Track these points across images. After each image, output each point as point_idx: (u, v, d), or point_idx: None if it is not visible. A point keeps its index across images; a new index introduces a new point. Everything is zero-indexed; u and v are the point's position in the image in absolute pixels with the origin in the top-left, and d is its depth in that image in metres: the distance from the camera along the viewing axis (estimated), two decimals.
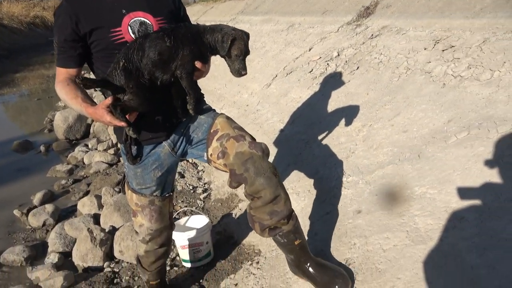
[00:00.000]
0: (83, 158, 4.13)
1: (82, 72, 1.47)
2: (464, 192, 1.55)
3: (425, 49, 2.69)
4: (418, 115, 2.12)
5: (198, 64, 1.39)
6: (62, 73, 1.48)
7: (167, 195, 1.69)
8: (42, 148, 4.61)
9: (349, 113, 2.62)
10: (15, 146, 4.68)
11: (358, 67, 3.13)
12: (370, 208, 1.79)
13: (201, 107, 1.63)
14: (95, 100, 1.50)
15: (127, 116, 1.33)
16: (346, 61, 3.36)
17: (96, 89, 1.40)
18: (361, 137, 2.33)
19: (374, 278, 1.50)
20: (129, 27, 1.43)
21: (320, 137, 2.62)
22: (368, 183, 1.95)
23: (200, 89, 1.64)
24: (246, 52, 1.42)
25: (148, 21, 1.46)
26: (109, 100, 1.27)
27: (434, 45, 2.66)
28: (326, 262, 1.63)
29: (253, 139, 1.51)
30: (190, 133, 1.59)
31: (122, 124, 1.30)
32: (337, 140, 2.46)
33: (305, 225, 2.01)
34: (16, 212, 3.11)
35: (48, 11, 23.46)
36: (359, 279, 1.55)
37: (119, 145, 2.05)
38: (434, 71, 2.40)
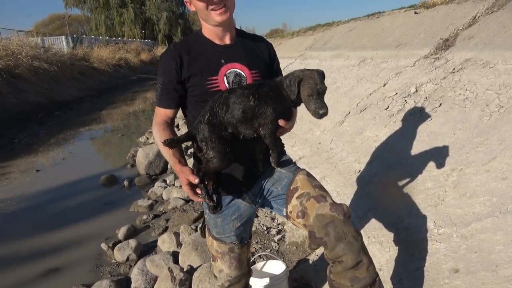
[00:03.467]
0: (162, 194, 4.36)
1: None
2: None
3: None
4: None
5: (281, 122, 1.40)
6: (160, 114, 1.56)
7: (245, 242, 1.70)
8: (125, 183, 4.96)
9: (434, 155, 2.45)
10: (102, 181, 5.10)
11: (440, 104, 2.96)
12: (469, 268, 1.61)
13: (281, 158, 1.63)
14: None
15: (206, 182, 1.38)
16: (426, 97, 3.20)
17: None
18: (451, 182, 2.16)
19: None
20: (225, 77, 1.50)
21: (402, 181, 2.48)
22: (464, 237, 1.77)
23: (282, 144, 1.64)
24: (319, 90, 1.34)
25: (243, 73, 1.52)
26: (192, 179, 1.31)
27: None
28: None
29: (334, 200, 1.46)
30: (270, 186, 1.59)
31: (198, 200, 1.37)
32: (423, 185, 2.30)
33: (392, 281, 1.87)
34: (103, 246, 3.33)
35: (131, 53, 26.08)
36: None
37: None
38: None
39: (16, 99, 10.62)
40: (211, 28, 1.53)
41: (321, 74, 1.37)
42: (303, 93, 1.36)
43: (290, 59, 8.17)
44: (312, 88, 1.33)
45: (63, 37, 23.34)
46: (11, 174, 5.93)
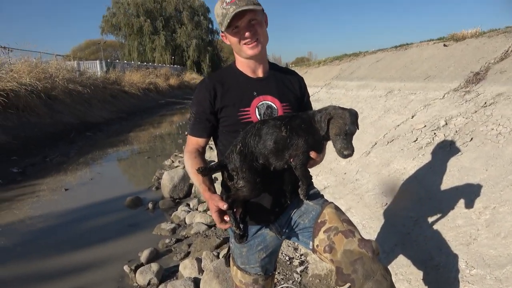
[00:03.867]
0: (185, 218, 4.38)
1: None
2: None
3: None
4: None
5: (312, 154, 1.41)
6: (192, 142, 1.60)
7: (270, 274, 1.68)
8: (150, 205, 5.02)
9: (466, 191, 2.38)
10: (127, 202, 5.19)
11: (471, 138, 2.89)
12: None
13: (310, 191, 1.63)
14: None
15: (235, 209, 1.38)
16: (457, 131, 3.14)
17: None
18: (484, 221, 2.08)
19: None
20: (256, 109, 1.54)
21: (431, 217, 2.41)
22: (499, 280, 1.69)
23: (311, 176, 1.65)
24: (347, 130, 1.34)
25: (274, 106, 1.56)
26: (221, 205, 1.30)
27: None
28: None
29: (362, 236, 1.44)
30: (297, 218, 1.59)
31: (225, 227, 1.35)
32: (453, 222, 2.23)
33: None
34: (126, 268, 3.35)
35: (160, 78, 26.98)
36: None
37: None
38: None
39: (51, 119, 11.11)
40: (244, 61, 1.58)
41: (353, 115, 1.37)
42: (331, 131, 1.37)
43: (316, 88, 8.23)
44: (341, 128, 1.34)
45: (97, 61, 24.45)
46: (41, 192, 6.13)
